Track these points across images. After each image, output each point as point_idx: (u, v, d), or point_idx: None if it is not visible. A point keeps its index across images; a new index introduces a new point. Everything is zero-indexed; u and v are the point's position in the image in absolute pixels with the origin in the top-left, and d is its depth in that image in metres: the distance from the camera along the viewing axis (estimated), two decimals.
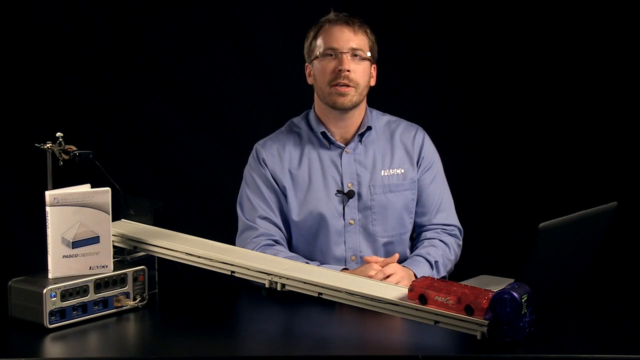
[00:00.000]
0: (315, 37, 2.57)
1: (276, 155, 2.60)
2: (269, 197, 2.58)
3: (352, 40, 2.53)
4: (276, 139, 2.65)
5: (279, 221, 2.58)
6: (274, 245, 2.53)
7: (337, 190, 2.57)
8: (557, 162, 3.46)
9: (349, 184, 2.58)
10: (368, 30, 2.57)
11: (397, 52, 3.37)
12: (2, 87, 3.38)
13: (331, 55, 2.53)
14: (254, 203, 2.58)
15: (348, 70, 2.50)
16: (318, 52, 2.55)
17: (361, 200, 2.57)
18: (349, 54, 2.52)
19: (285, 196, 2.58)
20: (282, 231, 2.58)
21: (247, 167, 2.65)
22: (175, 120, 3.48)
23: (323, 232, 2.56)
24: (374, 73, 2.61)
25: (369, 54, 2.55)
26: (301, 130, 2.64)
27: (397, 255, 2.43)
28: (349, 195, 2.56)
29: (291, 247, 2.60)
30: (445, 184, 2.68)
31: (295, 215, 2.57)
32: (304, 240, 2.58)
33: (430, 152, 2.66)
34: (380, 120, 2.66)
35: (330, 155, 2.60)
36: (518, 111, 3.47)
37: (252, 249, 2.49)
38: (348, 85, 2.51)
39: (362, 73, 2.53)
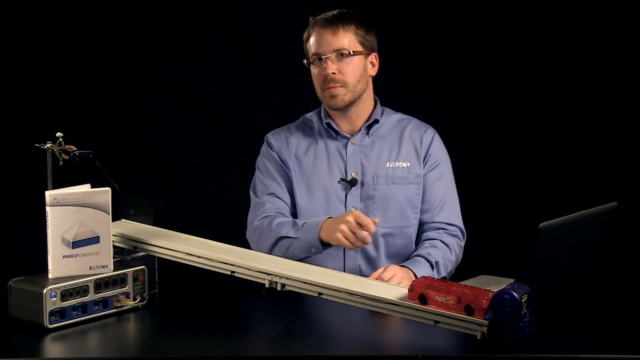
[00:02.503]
0: (306, 41, 2.61)
1: (283, 141, 2.67)
2: (277, 176, 2.63)
3: (333, 42, 2.55)
4: (286, 128, 2.72)
5: (287, 198, 2.62)
6: (279, 216, 2.57)
7: (341, 178, 2.59)
8: (557, 162, 3.46)
9: (353, 173, 2.60)
10: (354, 25, 2.57)
11: (397, 51, 3.37)
12: (2, 87, 3.38)
13: (319, 60, 2.56)
14: (265, 182, 2.64)
15: (333, 73, 2.54)
16: (310, 58, 2.60)
17: (363, 190, 2.59)
18: (333, 55, 2.55)
19: (291, 180, 2.63)
20: (289, 207, 2.62)
21: (259, 156, 2.71)
22: (175, 120, 3.48)
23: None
24: (375, 62, 2.62)
25: (358, 48, 2.56)
26: (313, 123, 2.69)
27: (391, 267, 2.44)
28: (352, 183, 2.58)
29: None
30: (452, 184, 2.68)
31: (298, 200, 2.61)
32: None
33: (439, 151, 2.66)
34: (392, 117, 2.69)
35: (337, 145, 2.64)
36: (518, 111, 3.47)
37: (258, 220, 2.56)
38: (335, 87, 2.55)
39: (350, 70, 2.56)
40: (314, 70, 2.59)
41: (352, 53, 2.55)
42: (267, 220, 2.55)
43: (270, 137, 2.69)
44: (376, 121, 2.64)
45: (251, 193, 2.67)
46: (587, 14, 3.39)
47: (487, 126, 3.48)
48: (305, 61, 2.61)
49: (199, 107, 3.49)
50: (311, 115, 2.71)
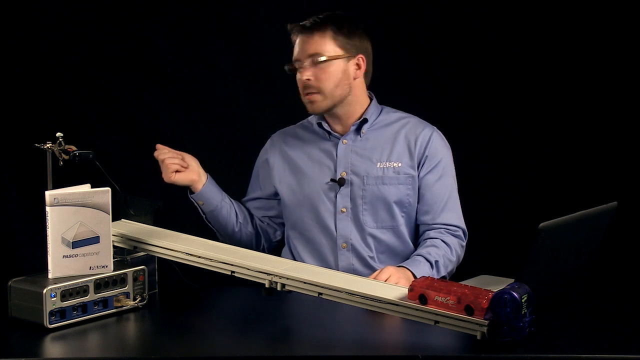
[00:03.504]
0: (293, 51, 2.62)
1: (279, 143, 2.72)
2: (254, 184, 2.77)
3: (308, 47, 2.55)
4: (287, 129, 2.77)
5: (248, 205, 2.77)
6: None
7: (331, 179, 2.60)
8: (557, 162, 3.46)
9: (343, 173, 2.61)
10: (332, 30, 2.55)
11: (396, 50, 3.37)
12: (2, 87, 3.38)
13: (298, 67, 2.58)
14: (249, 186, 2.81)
15: (308, 79, 2.55)
16: (294, 65, 2.61)
17: (353, 189, 2.60)
18: (309, 61, 2.55)
19: (280, 183, 2.68)
20: (243, 210, 2.75)
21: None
22: (175, 120, 3.48)
23: (315, 219, 2.62)
24: (362, 64, 2.59)
25: (336, 52, 2.55)
26: (311, 124, 2.72)
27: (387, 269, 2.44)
28: (340, 182, 2.60)
29: (284, 232, 2.75)
30: (454, 184, 2.67)
31: (288, 200, 2.66)
32: (296, 226, 2.66)
33: (438, 151, 2.64)
34: (390, 116, 2.68)
35: (328, 145, 2.66)
36: (518, 111, 3.47)
37: None
38: (312, 93, 2.56)
39: (325, 76, 2.55)
40: (296, 76, 2.60)
41: (327, 58, 2.54)
42: None
43: (270, 139, 2.76)
44: (365, 120, 2.63)
45: None
46: (587, 14, 3.38)
47: (487, 126, 3.48)
48: (286, 67, 2.60)
49: (199, 108, 3.49)
50: (312, 117, 2.73)
